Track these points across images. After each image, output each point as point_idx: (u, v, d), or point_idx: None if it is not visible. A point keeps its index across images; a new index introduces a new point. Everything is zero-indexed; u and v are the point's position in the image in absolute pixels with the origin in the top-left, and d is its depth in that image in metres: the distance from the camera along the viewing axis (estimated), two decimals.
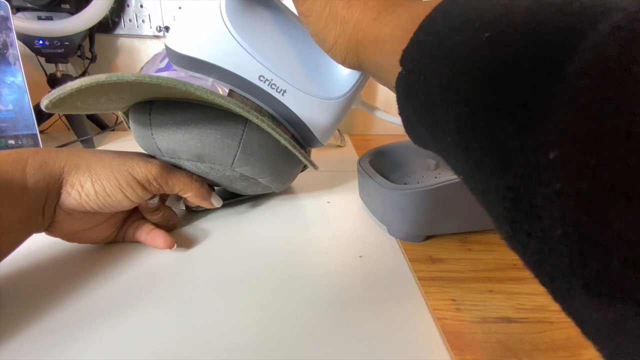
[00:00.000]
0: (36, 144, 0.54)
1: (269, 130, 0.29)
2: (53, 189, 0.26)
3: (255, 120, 0.28)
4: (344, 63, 0.24)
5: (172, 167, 0.32)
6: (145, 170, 0.29)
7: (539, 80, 0.11)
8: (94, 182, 0.27)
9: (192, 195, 0.33)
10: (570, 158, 0.10)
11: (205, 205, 0.34)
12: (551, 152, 0.10)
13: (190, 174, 0.33)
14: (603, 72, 0.10)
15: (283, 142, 0.31)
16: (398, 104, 0.19)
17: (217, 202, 0.35)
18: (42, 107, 0.26)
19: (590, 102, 0.10)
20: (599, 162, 0.10)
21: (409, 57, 0.17)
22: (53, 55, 0.61)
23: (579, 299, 0.11)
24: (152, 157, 0.35)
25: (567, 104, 0.10)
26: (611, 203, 0.10)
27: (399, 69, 0.17)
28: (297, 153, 0.33)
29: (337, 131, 0.69)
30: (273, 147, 0.34)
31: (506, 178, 0.12)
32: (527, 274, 0.33)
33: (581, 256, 0.10)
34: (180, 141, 0.31)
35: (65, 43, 0.60)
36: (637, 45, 0.10)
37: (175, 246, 0.32)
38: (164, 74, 0.31)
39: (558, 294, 0.12)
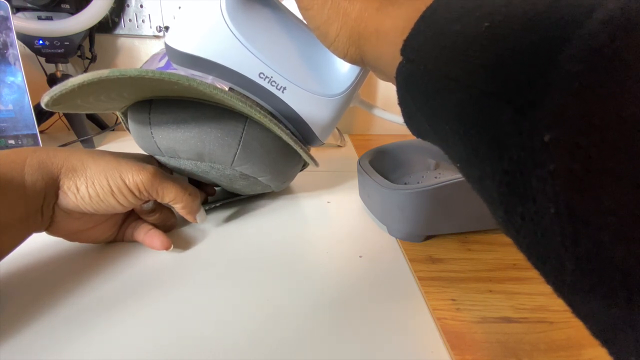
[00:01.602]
0: (36, 144, 0.54)
1: (271, 125, 0.29)
2: (51, 189, 0.26)
3: (257, 115, 0.28)
4: (345, 57, 0.24)
5: (166, 176, 0.31)
6: (137, 178, 0.29)
7: (535, 67, 0.12)
8: (88, 186, 0.27)
9: (181, 207, 0.32)
10: (563, 140, 0.11)
11: (189, 218, 0.34)
12: (546, 135, 0.11)
13: (184, 185, 0.32)
14: (595, 58, 0.10)
15: (285, 137, 0.31)
16: (398, 94, 0.19)
17: (201, 219, 0.35)
18: (43, 104, 0.26)
19: (583, 86, 0.10)
20: (590, 144, 0.10)
21: (409, 47, 0.17)
22: (53, 55, 0.61)
23: (571, 277, 0.11)
24: (150, 160, 0.35)
25: (561, 89, 0.11)
26: (602, 182, 0.10)
27: (399, 59, 0.18)
28: (298, 148, 0.32)
29: (337, 131, 0.69)
30: (273, 146, 0.34)
31: (502, 162, 0.12)
32: (527, 274, 0.33)
33: (573, 234, 0.11)
34: (180, 140, 0.31)
35: (65, 43, 0.61)
36: (628, 32, 0.10)
37: (172, 247, 0.32)
38: None
39: (550, 275, 0.12)
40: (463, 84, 0.14)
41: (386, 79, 0.22)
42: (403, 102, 0.19)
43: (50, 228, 0.28)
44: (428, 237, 0.35)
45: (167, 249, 0.31)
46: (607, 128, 0.10)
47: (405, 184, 0.44)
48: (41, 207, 0.26)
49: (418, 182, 0.44)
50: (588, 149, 0.10)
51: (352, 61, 0.24)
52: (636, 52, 0.10)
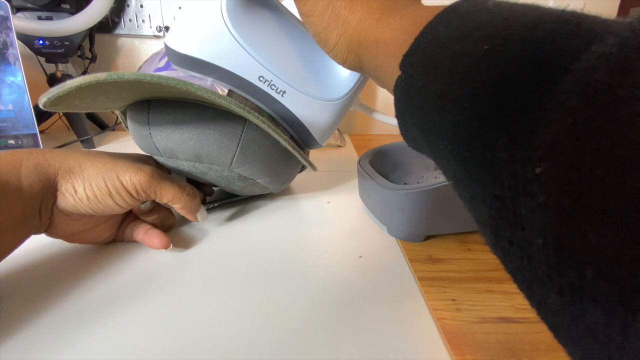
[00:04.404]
0: (36, 144, 0.54)
1: (269, 130, 0.29)
2: (48, 191, 0.26)
3: (255, 121, 0.28)
4: (344, 64, 0.24)
5: (164, 176, 0.31)
6: (134, 179, 0.28)
7: (531, 96, 0.12)
8: (85, 188, 0.27)
9: (180, 207, 0.32)
10: (554, 174, 0.11)
11: (190, 218, 0.34)
12: (537, 167, 0.11)
13: (182, 185, 0.32)
14: (591, 94, 0.10)
15: (282, 142, 0.31)
16: (396, 107, 0.19)
17: (202, 217, 0.34)
18: (40, 105, 0.26)
19: (577, 121, 0.10)
20: (581, 180, 0.10)
21: (409, 63, 0.17)
22: (53, 55, 0.61)
23: (554, 305, 0.11)
24: (148, 161, 0.35)
25: (556, 122, 0.11)
26: (590, 218, 0.10)
27: (398, 72, 0.18)
28: (296, 154, 0.32)
29: (337, 131, 0.69)
30: (271, 148, 0.34)
31: (494, 187, 0.12)
32: None
33: (558, 265, 0.11)
34: (178, 141, 0.31)
35: (65, 43, 0.61)
36: (625, 70, 0.10)
37: (172, 246, 0.32)
38: (163, 73, 0.31)
39: (534, 300, 0.13)
40: (460, 105, 0.14)
41: (384, 87, 0.22)
42: (400, 115, 0.19)
43: (49, 230, 0.28)
44: (428, 237, 0.35)
45: (166, 248, 0.31)
46: (598, 165, 0.10)
47: (405, 184, 0.44)
48: (39, 209, 0.26)
49: (418, 182, 0.44)
50: (578, 185, 0.10)
51: (351, 68, 0.24)
52: (631, 90, 0.10)
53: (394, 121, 0.43)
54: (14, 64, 0.51)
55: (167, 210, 0.35)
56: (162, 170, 0.33)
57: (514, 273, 0.13)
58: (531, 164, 0.11)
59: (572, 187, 0.10)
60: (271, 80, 0.31)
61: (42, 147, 0.54)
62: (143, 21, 0.71)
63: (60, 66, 0.62)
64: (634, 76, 0.10)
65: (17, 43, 0.51)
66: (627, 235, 0.10)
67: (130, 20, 0.70)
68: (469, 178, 0.14)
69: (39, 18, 0.59)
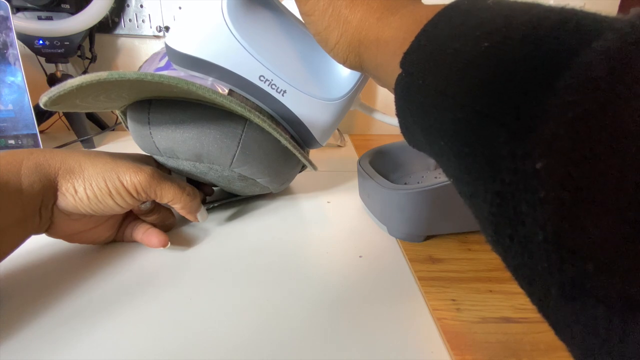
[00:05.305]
0: (36, 144, 0.54)
1: (270, 130, 0.29)
2: (49, 191, 0.26)
3: (256, 120, 0.28)
4: (345, 63, 0.24)
5: (164, 176, 0.31)
6: (135, 179, 0.28)
7: (531, 92, 0.12)
8: (86, 188, 0.27)
9: (180, 207, 0.32)
10: (554, 169, 0.11)
11: (190, 218, 0.34)
12: (538, 162, 0.11)
13: (182, 185, 0.32)
14: (591, 90, 0.10)
15: (283, 142, 0.31)
16: (396, 105, 0.19)
17: (202, 218, 0.35)
18: (41, 104, 0.26)
19: (577, 117, 0.10)
20: (581, 175, 0.10)
21: (409, 60, 0.17)
22: (53, 55, 0.61)
23: (555, 301, 0.11)
24: (148, 160, 0.35)
25: (556, 117, 0.11)
26: (590, 213, 0.10)
27: (399, 71, 0.18)
28: (296, 153, 0.32)
29: (337, 131, 0.69)
30: (272, 148, 0.34)
31: (494, 184, 0.12)
32: None
33: (559, 261, 0.11)
34: (178, 140, 0.31)
35: (65, 43, 0.61)
36: (624, 65, 0.10)
37: (169, 244, 0.32)
38: (164, 73, 0.31)
39: (535, 297, 0.13)
40: (460, 103, 0.14)
41: (384, 86, 0.22)
42: (400, 113, 0.19)
43: (49, 230, 0.28)
44: (428, 237, 0.35)
45: (164, 246, 0.31)
46: (598, 160, 0.10)
47: (405, 184, 0.44)
48: (39, 209, 0.26)
49: (418, 182, 0.44)
50: (578, 180, 0.10)
51: (351, 67, 0.24)
52: (631, 85, 0.10)
53: (394, 121, 0.43)
54: (14, 64, 0.51)
55: (167, 210, 0.35)
56: (162, 170, 0.33)
57: (515, 270, 0.13)
58: (532, 159, 0.11)
59: (572, 182, 0.10)
60: (272, 80, 0.31)
61: (42, 147, 0.54)
62: (143, 21, 0.71)
63: (60, 66, 0.62)
64: (633, 72, 0.10)
65: (17, 43, 0.51)
66: (627, 229, 0.10)
67: (130, 20, 0.70)
68: (469, 175, 0.14)
69: (39, 18, 0.59)
